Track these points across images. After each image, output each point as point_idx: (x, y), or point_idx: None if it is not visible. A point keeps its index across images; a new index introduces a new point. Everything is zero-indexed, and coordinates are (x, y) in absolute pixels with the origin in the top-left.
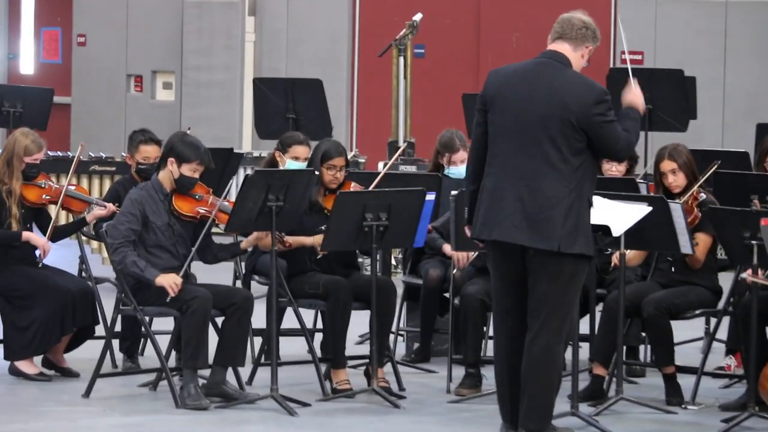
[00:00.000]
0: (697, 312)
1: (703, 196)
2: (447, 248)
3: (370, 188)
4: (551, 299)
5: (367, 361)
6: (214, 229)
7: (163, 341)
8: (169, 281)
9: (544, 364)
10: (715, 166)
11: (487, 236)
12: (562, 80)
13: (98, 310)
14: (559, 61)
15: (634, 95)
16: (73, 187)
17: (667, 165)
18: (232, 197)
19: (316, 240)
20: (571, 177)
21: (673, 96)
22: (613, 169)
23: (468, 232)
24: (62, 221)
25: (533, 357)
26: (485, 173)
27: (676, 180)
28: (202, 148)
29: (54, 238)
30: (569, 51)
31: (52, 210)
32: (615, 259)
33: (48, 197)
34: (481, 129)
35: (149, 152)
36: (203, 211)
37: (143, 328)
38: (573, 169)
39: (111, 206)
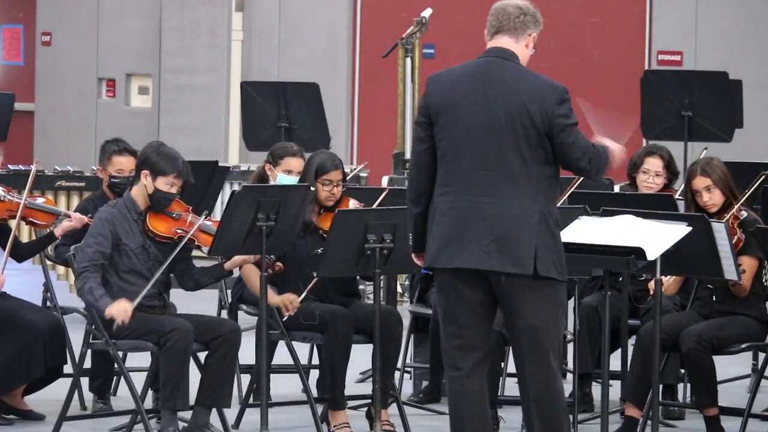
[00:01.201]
0: (743, 346)
1: (744, 214)
2: None
3: (373, 206)
4: (537, 330)
5: (370, 401)
6: (196, 253)
7: (139, 379)
8: (119, 309)
9: (547, 405)
10: (762, 178)
11: (447, 264)
12: (516, 80)
13: (68, 346)
14: (506, 58)
15: (617, 158)
16: (41, 200)
17: (701, 182)
18: (217, 216)
19: (284, 300)
20: (539, 189)
21: (716, 102)
22: (650, 181)
23: (417, 261)
24: (25, 238)
25: (534, 402)
26: (437, 192)
27: (711, 198)
28: (179, 159)
29: (19, 258)
30: (512, 44)
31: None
32: (650, 286)
33: (8, 211)
34: (425, 145)
35: (124, 164)
36: (181, 232)
37: (116, 365)
38: (540, 179)
39: (81, 216)
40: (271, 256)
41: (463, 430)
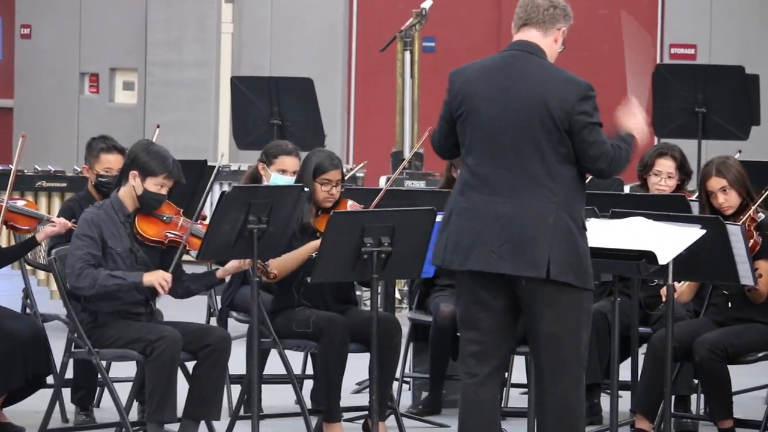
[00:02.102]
0: (760, 355)
1: (761, 216)
2: None
3: (370, 207)
4: (560, 339)
5: (367, 413)
6: (184, 257)
7: (123, 390)
8: (158, 278)
9: (567, 417)
10: None
11: (458, 266)
12: (539, 75)
13: (51, 356)
14: (531, 53)
15: (635, 120)
16: (22, 203)
17: (716, 182)
18: (207, 219)
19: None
20: (557, 190)
21: (732, 97)
22: (662, 183)
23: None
24: (4, 242)
25: (551, 410)
26: (455, 190)
27: (727, 199)
28: (170, 158)
29: None
30: (539, 38)
31: None
32: (662, 292)
33: None
34: (451, 141)
35: (112, 162)
36: (172, 236)
37: (99, 375)
38: (560, 181)
39: (65, 221)
40: (267, 264)
41: None
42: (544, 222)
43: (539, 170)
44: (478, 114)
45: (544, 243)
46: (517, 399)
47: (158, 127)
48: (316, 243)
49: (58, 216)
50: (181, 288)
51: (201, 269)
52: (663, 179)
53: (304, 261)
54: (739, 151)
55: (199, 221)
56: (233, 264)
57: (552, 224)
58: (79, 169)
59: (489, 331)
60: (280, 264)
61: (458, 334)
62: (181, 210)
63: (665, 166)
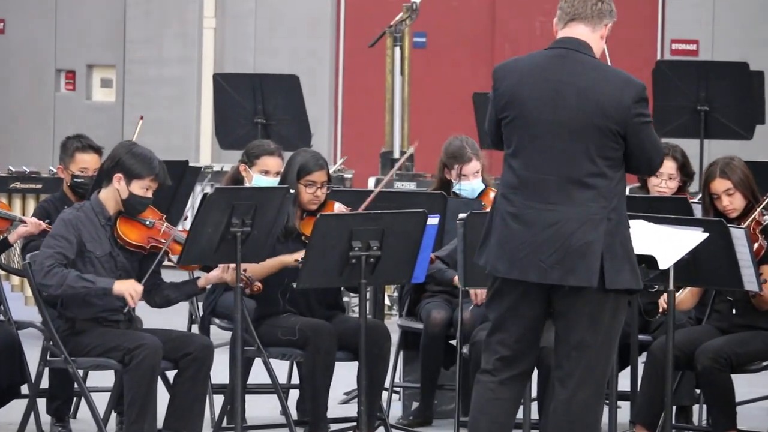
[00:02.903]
0: (765, 364)
1: (767, 219)
2: (458, 280)
3: (359, 210)
4: (592, 348)
5: (354, 424)
6: (165, 262)
7: (101, 400)
8: (129, 288)
9: (584, 428)
10: None
11: (506, 274)
12: (592, 76)
13: (25, 364)
14: (581, 51)
15: None
16: None
17: (720, 185)
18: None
19: (283, 261)
20: (609, 195)
21: (736, 95)
22: (662, 185)
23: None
24: None
25: (570, 420)
26: (501, 191)
27: (732, 202)
28: (155, 160)
29: None
30: (587, 34)
31: None
32: (662, 302)
33: None
34: (499, 135)
35: (88, 162)
36: (155, 242)
37: (76, 384)
38: (609, 185)
39: (38, 221)
40: (250, 276)
41: None
42: (595, 230)
43: (589, 176)
44: (528, 117)
45: (596, 251)
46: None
47: (141, 119)
48: (287, 258)
49: (32, 217)
50: (160, 297)
51: (183, 275)
52: (664, 181)
53: (275, 270)
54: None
55: (182, 229)
56: (215, 273)
57: (603, 232)
58: (54, 170)
59: (519, 338)
60: (255, 271)
61: (450, 342)
62: (164, 216)
63: (666, 167)
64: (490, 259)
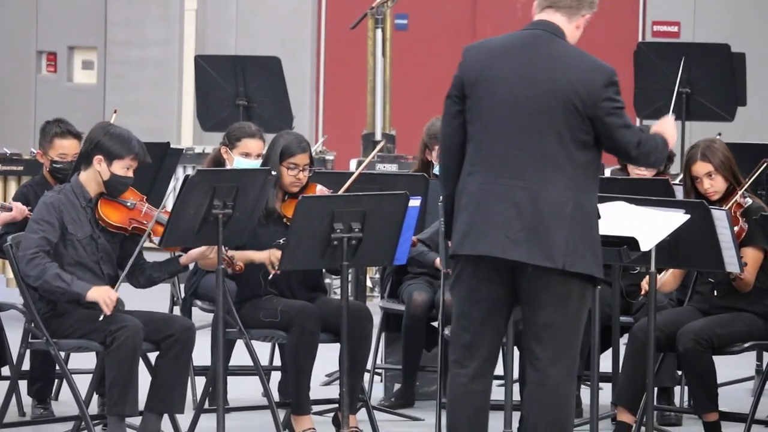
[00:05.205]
0: (746, 345)
1: (748, 201)
2: (439, 262)
3: (340, 192)
4: (561, 329)
5: (337, 405)
6: (146, 244)
7: (83, 382)
8: (103, 295)
9: (558, 410)
10: (764, 166)
11: (472, 250)
12: (566, 58)
13: (7, 346)
14: (555, 34)
15: (665, 127)
16: None
17: (702, 167)
18: (171, 206)
19: (271, 256)
20: (576, 177)
21: (717, 77)
22: (641, 170)
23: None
24: None
25: (544, 402)
26: (466, 172)
27: (713, 185)
28: (133, 139)
29: None
30: (563, 22)
31: None
32: (644, 284)
33: None
34: (459, 120)
35: (67, 148)
36: (137, 223)
37: (57, 366)
38: (578, 167)
39: (21, 207)
40: (232, 256)
41: None
42: (561, 210)
43: (558, 155)
44: (497, 93)
45: (561, 232)
46: (493, 391)
47: (115, 112)
48: (255, 255)
49: (12, 200)
50: (143, 277)
51: (164, 256)
52: None
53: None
54: (719, 134)
55: (163, 210)
56: (197, 250)
57: (569, 213)
58: (35, 152)
59: (482, 321)
60: (242, 258)
61: (432, 323)
62: (144, 197)
63: None
64: (455, 239)
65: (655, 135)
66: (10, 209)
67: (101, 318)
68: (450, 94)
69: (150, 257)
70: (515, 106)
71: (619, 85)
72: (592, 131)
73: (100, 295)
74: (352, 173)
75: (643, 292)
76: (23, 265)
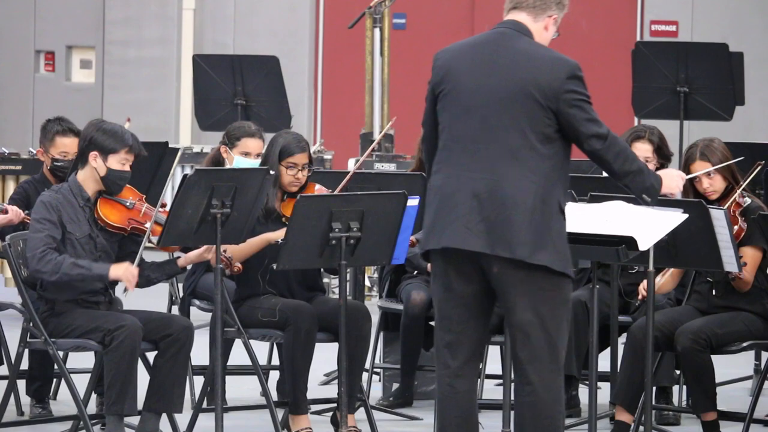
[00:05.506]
0: (745, 344)
1: (747, 200)
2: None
3: (338, 191)
4: (534, 327)
5: (335, 405)
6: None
7: (81, 381)
8: (126, 272)
9: (541, 409)
10: (760, 167)
11: (435, 244)
12: (528, 52)
13: (4, 345)
14: (520, 31)
15: (670, 173)
16: None
17: (701, 167)
18: (169, 206)
19: (268, 237)
20: (537, 170)
21: (716, 77)
22: None
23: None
24: None
25: (526, 402)
26: (433, 170)
27: (712, 184)
28: (126, 133)
29: None
30: (529, 21)
31: None
32: (642, 289)
33: None
34: (432, 124)
35: (68, 146)
36: (136, 223)
37: (56, 366)
38: (540, 159)
39: (17, 210)
40: (230, 257)
41: None
42: (522, 203)
43: (520, 148)
44: (460, 87)
45: (522, 224)
46: (491, 391)
47: (129, 120)
48: (271, 235)
49: (12, 197)
50: (141, 277)
51: (162, 255)
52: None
53: (259, 248)
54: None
55: (162, 210)
56: (195, 252)
57: (530, 206)
58: (34, 152)
59: (459, 320)
60: (237, 252)
61: (431, 323)
62: (144, 196)
63: (641, 150)
64: (423, 236)
65: (647, 168)
66: (6, 212)
67: (124, 293)
68: (426, 98)
69: (148, 257)
70: (477, 99)
71: (583, 79)
72: (555, 124)
73: (123, 272)
74: (349, 173)
75: (640, 297)
76: (35, 264)
